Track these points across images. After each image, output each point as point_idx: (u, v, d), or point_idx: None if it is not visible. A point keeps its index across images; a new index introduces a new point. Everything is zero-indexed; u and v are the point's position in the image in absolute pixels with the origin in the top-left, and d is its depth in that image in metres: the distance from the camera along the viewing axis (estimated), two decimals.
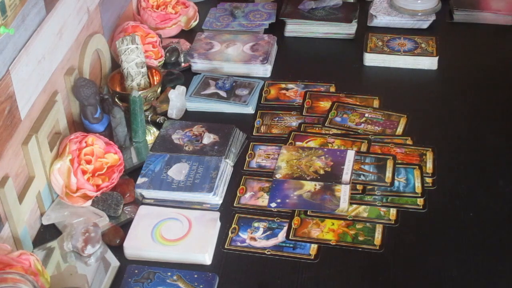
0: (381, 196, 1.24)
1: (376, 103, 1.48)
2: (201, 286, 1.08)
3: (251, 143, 1.38)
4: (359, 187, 1.26)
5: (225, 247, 1.17)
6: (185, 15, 1.75)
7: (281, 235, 1.18)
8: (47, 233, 1.21)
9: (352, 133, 1.39)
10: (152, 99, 1.44)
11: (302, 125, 1.42)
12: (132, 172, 1.32)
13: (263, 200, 1.25)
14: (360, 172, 1.28)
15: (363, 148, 1.34)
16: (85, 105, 1.34)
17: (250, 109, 1.47)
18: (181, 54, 1.63)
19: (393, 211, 1.21)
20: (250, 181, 1.30)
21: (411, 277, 1.11)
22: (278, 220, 1.21)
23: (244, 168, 1.33)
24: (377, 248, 1.15)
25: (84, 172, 1.22)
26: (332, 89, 1.53)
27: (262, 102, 1.50)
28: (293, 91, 1.53)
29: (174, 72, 1.57)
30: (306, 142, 1.37)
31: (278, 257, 1.15)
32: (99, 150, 1.26)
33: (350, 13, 1.75)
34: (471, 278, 1.10)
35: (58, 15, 1.27)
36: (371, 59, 1.62)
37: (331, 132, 1.40)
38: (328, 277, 1.11)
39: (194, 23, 1.78)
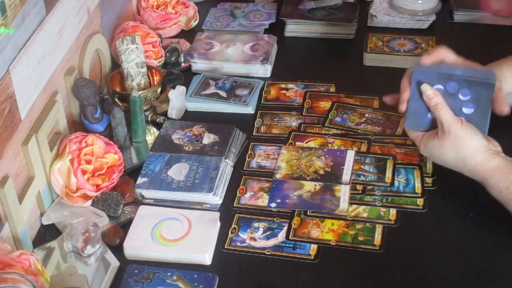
0: (381, 196, 1.24)
1: (376, 103, 1.48)
2: (201, 286, 1.08)
3: (251, 143, 1.38)
4: (359, 187, 1.25)
5: (225, 247, 1.17)
6: (185, 15, 1.75)
7: (281, 235, 1.18)
8: (47, 233, 1.21)
9: (352, 133, 1.39)
10: (152, 99, 1.44)
11: (302, 125, 1.42)
12: (132, 172, 1.32)
13: (263, 200, 1.25)
14: (360, 172, 1.28)
15: (363, 148, 1.34)
16: (85, 105, 1.34)
17: (250, 109, 1.47)
18: (181, 54, 1.63)
19: (393, 211, 1.21)
20: (250, 181, 1.30)
21: (411, 277, 1.11)
22: (278, 220, 1.21)
23: (244, 168, 1.33)
24: (377, 248, 1.15)
25: (84, 172, 1.22)
26: (332, 89, 1.53)
27: (262, 102, 1.50)
28: (293, 91, 1.53)
29: (174, 72, 1.57)
30: (306, 142, 1.37)
31: (278, 257, 1.15)
32: (99, 150, 1.26)
33: (350, 13, 1.75)
34: (471, 278, 1.10)
35: (58, 15, 1.27)
36: (371, 59, 1.62)
37: (331, 132, 1.40)
38: (328, 277, 1.11)
39: (194, 23, 1.78)
